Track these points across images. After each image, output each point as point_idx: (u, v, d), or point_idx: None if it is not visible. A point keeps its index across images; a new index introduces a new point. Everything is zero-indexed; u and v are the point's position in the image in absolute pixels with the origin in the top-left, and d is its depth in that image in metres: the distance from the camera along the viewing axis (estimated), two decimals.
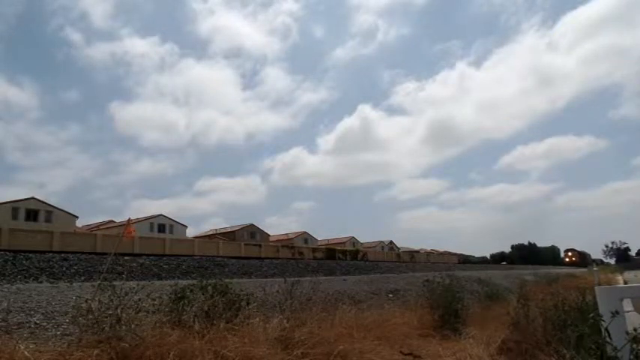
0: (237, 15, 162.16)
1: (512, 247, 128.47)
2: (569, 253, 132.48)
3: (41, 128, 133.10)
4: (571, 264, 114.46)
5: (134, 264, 19.06)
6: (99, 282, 6.42)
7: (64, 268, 16.75)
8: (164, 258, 22.17)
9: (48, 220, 41.62)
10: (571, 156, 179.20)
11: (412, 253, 63.23)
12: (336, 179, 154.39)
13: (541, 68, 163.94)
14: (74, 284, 13.60)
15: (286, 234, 69.84)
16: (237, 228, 63.34)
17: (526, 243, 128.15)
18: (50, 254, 18.39)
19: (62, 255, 18.57)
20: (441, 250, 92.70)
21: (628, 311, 2.98)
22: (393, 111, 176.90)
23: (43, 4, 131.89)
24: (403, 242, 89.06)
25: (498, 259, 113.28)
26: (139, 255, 21.98)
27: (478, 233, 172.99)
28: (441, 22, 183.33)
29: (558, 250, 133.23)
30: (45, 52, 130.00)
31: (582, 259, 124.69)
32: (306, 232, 70.15)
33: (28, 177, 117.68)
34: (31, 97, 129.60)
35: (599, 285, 8.07)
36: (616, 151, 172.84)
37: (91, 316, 5.16)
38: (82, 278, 15.74)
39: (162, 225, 51.50)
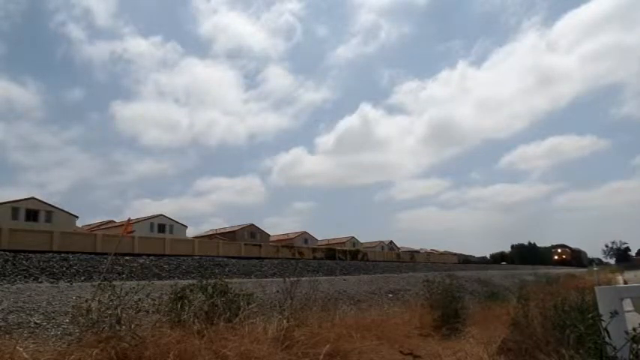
0: (241, 14, 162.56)
1: (512, 247, 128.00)
2: (559, 250, 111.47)
3: (43, 128, 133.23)
4: (561, 263, 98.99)
5: (134, 264, 19.05)
6: (99, 282, 6.42)
7: (64, 268, 16.74)
8: (164, 258, 22.15)
9: (48, 220, 41.64)
10: (572, 155, 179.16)
11: (412, 253, 63.12)
12: (336, 179, 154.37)
13: (542, 68, 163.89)
14: (74, 284, 13.61)
15: (286, 234, 69.86)
16: (237, 228, 63.41)
17: (526, 243, 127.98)
18: (50, 254, 18.35)
19: (62, 255, 18.54)
20: (441, 250, 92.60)
21: (628, 311, 2.98)
22: (394, 110, 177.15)
23: (46, 2, 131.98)
24: (403, 242, 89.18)
25: (498, 259, 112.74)
26: (139, 255, 21.96)
27: (478, 233, 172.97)
28: (442, 21, 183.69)
29: None
30: (47, 50, 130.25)
31: (576, 257, 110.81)
32: (306, 232, 70.18)
33: (29, 177, 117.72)
34: (33, 97, 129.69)
35: (599, 285, 8.07)
36: (617, 151, 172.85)
37: (91, 316, 5.17)
38: (82, 278, 15.73)
39: (162, 225, 51.53)
